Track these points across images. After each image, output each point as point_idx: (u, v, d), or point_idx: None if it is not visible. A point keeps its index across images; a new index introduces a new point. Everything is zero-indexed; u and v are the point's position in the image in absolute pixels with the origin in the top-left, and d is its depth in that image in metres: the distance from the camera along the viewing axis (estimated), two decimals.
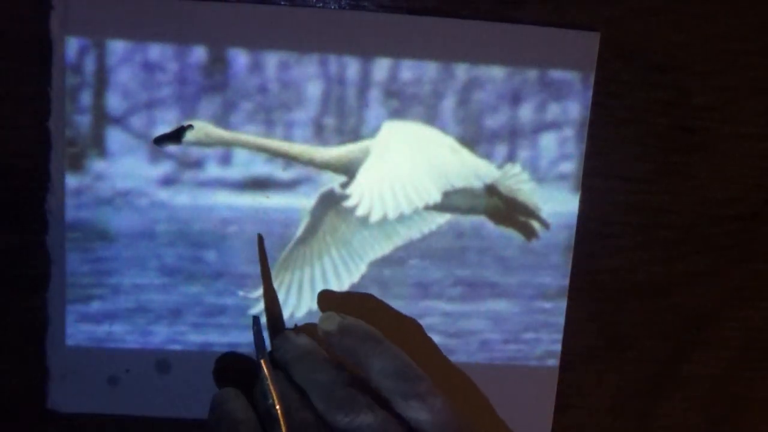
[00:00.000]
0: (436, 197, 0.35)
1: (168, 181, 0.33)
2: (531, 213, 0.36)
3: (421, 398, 0.30)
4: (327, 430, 0.29)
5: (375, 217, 0.35)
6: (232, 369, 0.35)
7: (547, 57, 0.34)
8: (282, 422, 0.28)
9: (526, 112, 0.35)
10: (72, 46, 0.32)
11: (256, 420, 0.29)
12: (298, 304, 0.35)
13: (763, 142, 0.37)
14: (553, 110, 0.35)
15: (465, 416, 0.31)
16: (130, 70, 0.32)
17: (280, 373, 0.31)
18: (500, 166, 0.35)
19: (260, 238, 0.34)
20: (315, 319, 0.35)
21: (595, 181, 0.36)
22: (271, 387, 0.29)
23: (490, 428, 0.31)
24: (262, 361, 0.30)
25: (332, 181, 0.34)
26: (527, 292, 0.36)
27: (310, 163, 0.34)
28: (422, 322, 0.36)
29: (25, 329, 0.35)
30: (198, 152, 0.33)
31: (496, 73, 0.34)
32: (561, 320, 0.37)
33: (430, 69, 0.34)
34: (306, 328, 0.35)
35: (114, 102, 0.32)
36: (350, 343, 0.31)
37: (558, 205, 0.36)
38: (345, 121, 0.34)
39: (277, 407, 0.29)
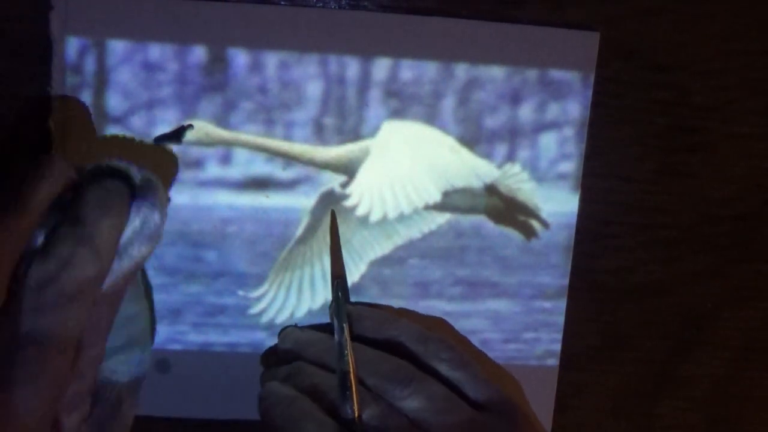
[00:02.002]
0: (435, 197, 0.35)
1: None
2: (531, 212, 0.36)
3: (453, 361, 0.32)
4: (384, 402, 0.30)
5: (375, 217, 0.35)
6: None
7: (547, 57, 0.34)
8: (354, 389, 0.30)
9: (526, 112, 0.35)
10: (72, 45, 0.32)
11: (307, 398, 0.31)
12: (298, 304, 0.35)
13: (763, 142, 0.37)
14: (553, 110, 0.35)
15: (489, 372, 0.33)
16: (131, 70, 0.32)
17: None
18: (500, 166, 0.35)
19: (333, 214, 0.34)
20: (315, 319, 0.35)
21: (595, 181, 0.36)
22: (350, 352, 0.30)
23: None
24: (345, 326, 0.31)
25: (332, 180, 0.34)
26: (527, 292, 0.36)
27: (310, 162, 0.34)
28: None
29: None
30: (198, 152, 0.33)
31: (496, 73, 0.34)
32: (561, 320, 0.37)
33: (430, 69, 0.34)
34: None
35: (114, 102, 0.32)
36: (368, 326, 0.32)
37: (558, 204, 0.36)
38: (345, 120, 0.34)
39: (351, 376, 0.30)
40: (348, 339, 0.31)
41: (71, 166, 0.27)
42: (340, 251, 0.34)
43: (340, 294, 0.32)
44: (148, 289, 0.33)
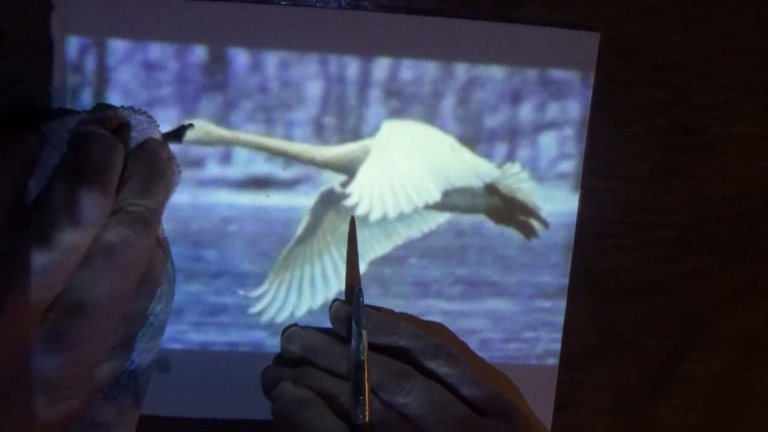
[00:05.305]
0: (436, 196, 0.35)
1: None
2: (531, 212, 0.36)
3: (450, 364, 0.32)
4: (383, 401, 0.31)
5: (375, 216, 0.35)
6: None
7: (547, 57, 0.34)
8: (367, 395, 0.30)
9: (526, 112, 0.35)
10: (73, 45, 0.32)
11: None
12: (298, 303, 0.35)
13: (763, 141, 0.37)
14: (553, 110, 0.35)
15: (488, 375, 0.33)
16: (131, 70, 0.32)
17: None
18: (500, 166, 0.35)
19: (352, 220, 0.34)
20: (315, 318, 0.35)
21: (595, 181, 0.36)
22: (366, 359, 0.31)
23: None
24: (363, 332, 0.31)
25: (332, 180, 0.34)
26: (527, 291, 0.36)
27: (310, 162, 0.34)
28: None
29: None
30: (198, 151, 0.33)
31: (496, 72, 0.34)
32: (561, 319, 0.37)
33: (430, 69, 0.34)
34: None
35: (115, 101, 0.32)
36: (368, 329, 0.32)
37: (558, 204, 0.36)
38: (345, 120, 0.34)
39: (366, 382, 0.30)
40: (365, 347, 0.31)
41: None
42: (357, 258, 0.34)
43: (360, 299, 0.32)
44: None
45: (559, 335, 0.37)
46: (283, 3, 0.33)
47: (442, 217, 0.35)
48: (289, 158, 0.34)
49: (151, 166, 0.29)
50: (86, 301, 0.26)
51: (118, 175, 0.28)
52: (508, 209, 0.35)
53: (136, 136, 0.30)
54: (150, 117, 0.30)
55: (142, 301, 0.30)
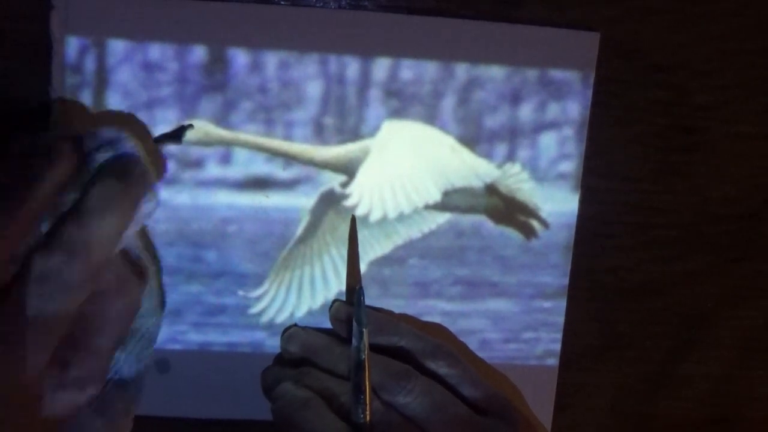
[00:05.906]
0: (436, 196, 0.35)
1: (168, 181, 0.33)
2: (531, 212, 0.36)
3: (451, 365, 0.32)
4: (384, 400, 0.31)
5: (375, 217, 0.35)
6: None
7: (547, 57, 0.34)
8: (368, 394, 0.30)
9: (526, 112, 0.35)
10: (72, 45, 0.32)
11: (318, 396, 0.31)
12: (298, 303, 0.35)
13: (763, 141, 0.37)
14: (553, 110, 0.35)
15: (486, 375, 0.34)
16: (131, 70, 0.32)
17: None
18: (500, 166, 0.35)
19: (353, 220, 0.34)
20: (315, 318, 0.35)
21: (595, 181, 0.36)
22: (367, 359, 0.31)
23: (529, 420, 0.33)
24: (364, 330, 0.31)
25: (332, 180, 0.34)
26: (527, 292, 0.36)
27: (310, 162, 0.34)
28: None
29: None
30: (198, 152, 0.33)
31: (496, 72, 0.34)
32: (561, 319, 0.37)
33: (430, 69, 0.34)
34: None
35: (114, 101, 0.32)
36: (368, 330, 0.32)
37: (558, 204, 0.36)
38: (345, 120, 0.34)
39: (366, 381, 0.30)
40: (366, 346, 0.31)
41: (75, 147, 0.27)
42: (358, 258, 0.34)
43: (361, 299, 0.32)
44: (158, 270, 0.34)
45: (559, 335, 0.37)
46: (283, 3, 0.33)
47: (442, 218, 0.35)
48: (289, 158, 0.34)
49: (106, 186, 0.27)
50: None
51: (44, 194, 0.26)
52: (508, 209, 0.35)
53: (105, 152, 0.28)
54: (123, 134, 0.29)
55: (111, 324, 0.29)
